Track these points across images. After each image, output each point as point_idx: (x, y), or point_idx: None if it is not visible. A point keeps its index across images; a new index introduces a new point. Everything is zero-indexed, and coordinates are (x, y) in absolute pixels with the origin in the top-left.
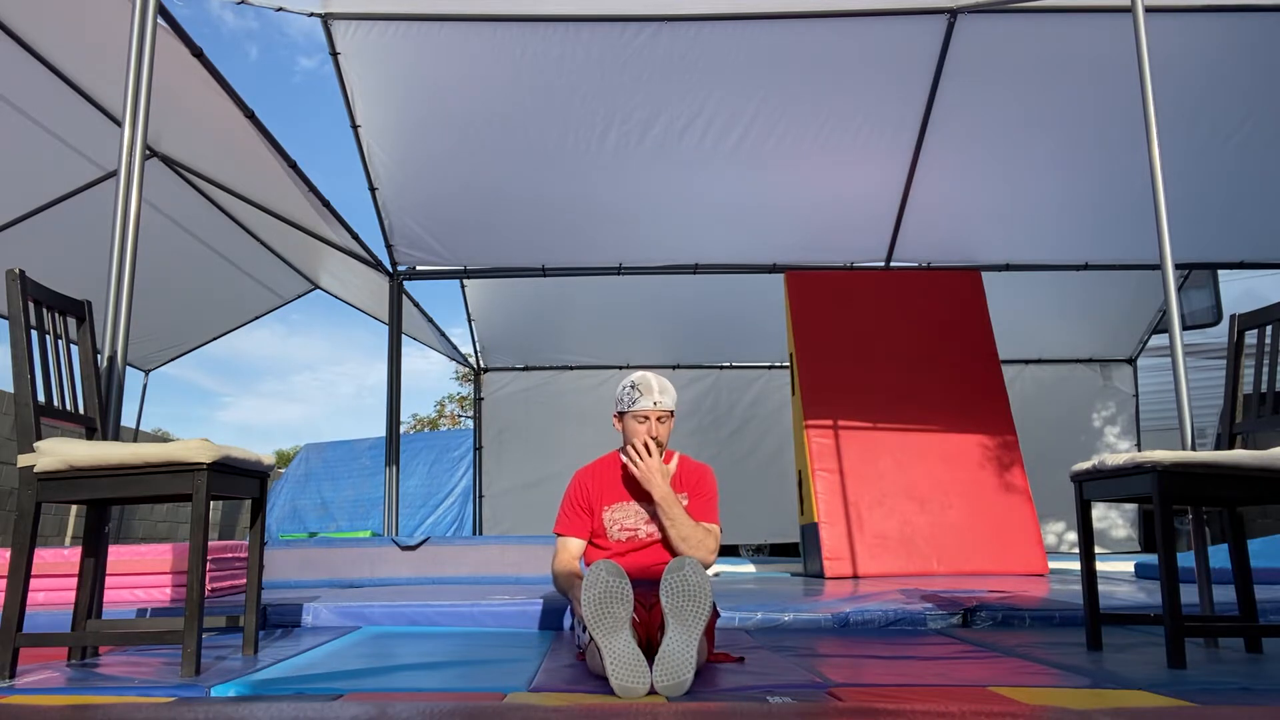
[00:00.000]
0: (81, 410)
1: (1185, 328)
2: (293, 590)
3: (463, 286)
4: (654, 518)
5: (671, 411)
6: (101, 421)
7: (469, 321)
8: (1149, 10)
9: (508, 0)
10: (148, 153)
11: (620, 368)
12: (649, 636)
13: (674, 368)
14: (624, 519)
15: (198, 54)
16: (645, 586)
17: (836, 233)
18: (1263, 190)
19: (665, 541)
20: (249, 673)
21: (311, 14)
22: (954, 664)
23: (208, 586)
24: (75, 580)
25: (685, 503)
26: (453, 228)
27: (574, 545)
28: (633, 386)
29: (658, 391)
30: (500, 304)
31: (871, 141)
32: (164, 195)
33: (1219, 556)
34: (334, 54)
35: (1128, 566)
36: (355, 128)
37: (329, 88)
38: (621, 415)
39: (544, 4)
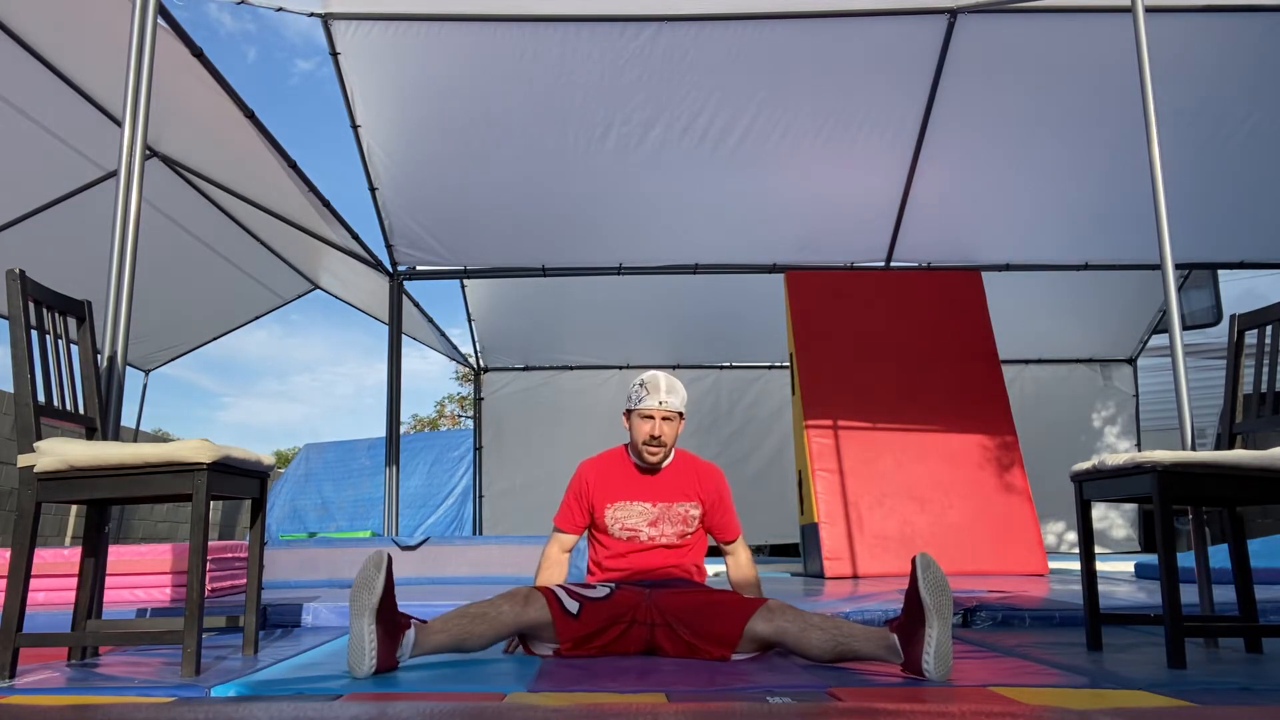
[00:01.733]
0: (81, 410)
1: (1185, 328)
2: (293, 590)
3: (463, 286)
4: (659, 520)
5: (680, 413)
6: (101, 421)
7: (469, 321)
8: (1149, 10)
9: (508, 0)
10: (148, 153)
11: (620, 368)
12: (648, 622)
13: (674, 368)
14: (625, 518)
15: (198, 54)
16: (643, 584)
17: (836, 233)
18: (1263, 190)
19: (676, 551)
20: (249, 673)
21: (312, 14)
22: (954, 664)
23: (208, 586)
24: (75, 580)
25: (698, 511)
26: (453, 228)
27: (563, 539)
28: (641, 384)
29: (664, 391)
30: (500, 304)
31: (871, 141)
32: (164, 195)
33: (1219, 556)
34: (334, 54)
35: (1128, 566)
36: (355, 128)
37: (326, 90)
38: (629, 413)
39: (544, 4)
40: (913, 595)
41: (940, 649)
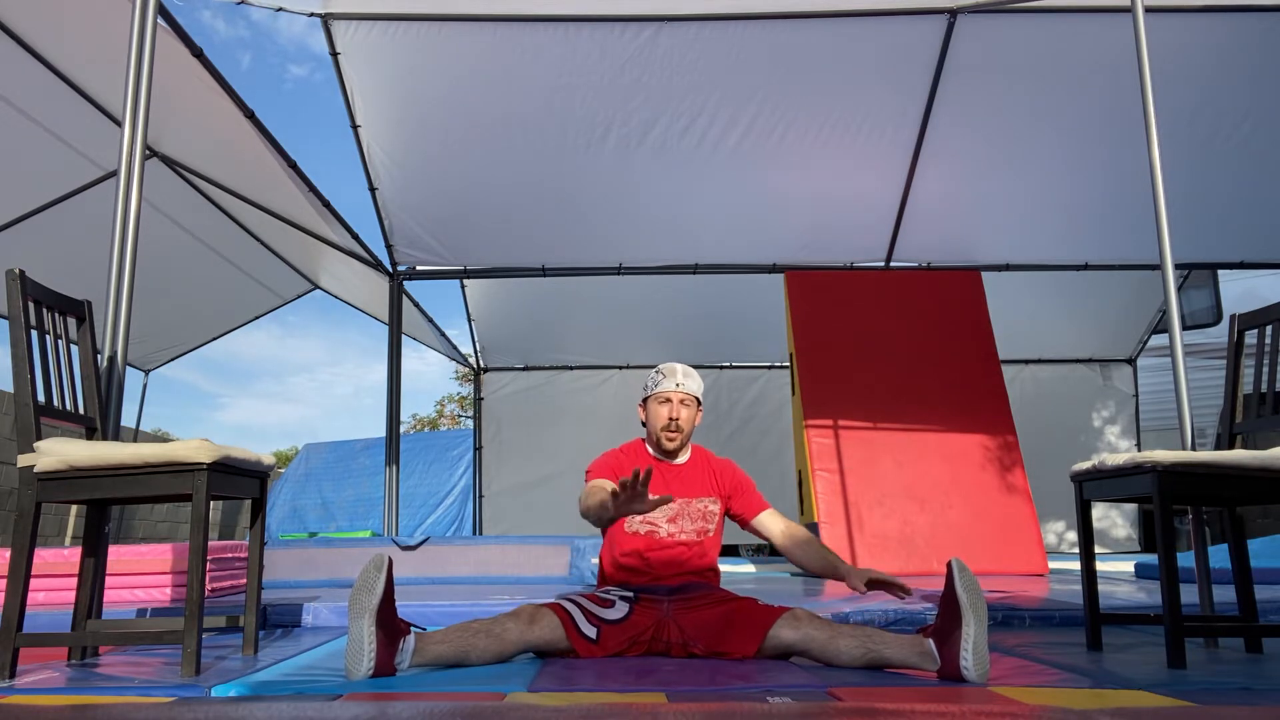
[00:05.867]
0: (81, 410)
1: (1185, 328)
2: (293, 590)
3: (463, 286)
4: (677, 517)
5: (698, 400)
6: (101, 421)
7: (469, 321)
8: (1149, 10)
9: (508, 0)
10: (148, 153)
11: (620, 368)
12: (665, 640)
13: None
14: (648, 513)
15: (198, 54)
16: (660, 592)
17: (836, 233)
18: (1263, 190)
19: (694, 548)
20: (249, 673)
21: (312, 14)
22: None
23: (208, 586)
24: (75, 580)
25: (716, 507)
26: (453, 228)
27: (601, 483)
28: (657, 371)
29: (681, 375)
30: (500, 304)
31: (871, 141)
32: (164, 195)
33: (1219, 556)
34: (334, 54)
35: (1128, 566)
36: (355, 128)
37: (321, 95)
38: (645, 401)
39: (544, 4)
40: (949, 597)
41: (978, 649)
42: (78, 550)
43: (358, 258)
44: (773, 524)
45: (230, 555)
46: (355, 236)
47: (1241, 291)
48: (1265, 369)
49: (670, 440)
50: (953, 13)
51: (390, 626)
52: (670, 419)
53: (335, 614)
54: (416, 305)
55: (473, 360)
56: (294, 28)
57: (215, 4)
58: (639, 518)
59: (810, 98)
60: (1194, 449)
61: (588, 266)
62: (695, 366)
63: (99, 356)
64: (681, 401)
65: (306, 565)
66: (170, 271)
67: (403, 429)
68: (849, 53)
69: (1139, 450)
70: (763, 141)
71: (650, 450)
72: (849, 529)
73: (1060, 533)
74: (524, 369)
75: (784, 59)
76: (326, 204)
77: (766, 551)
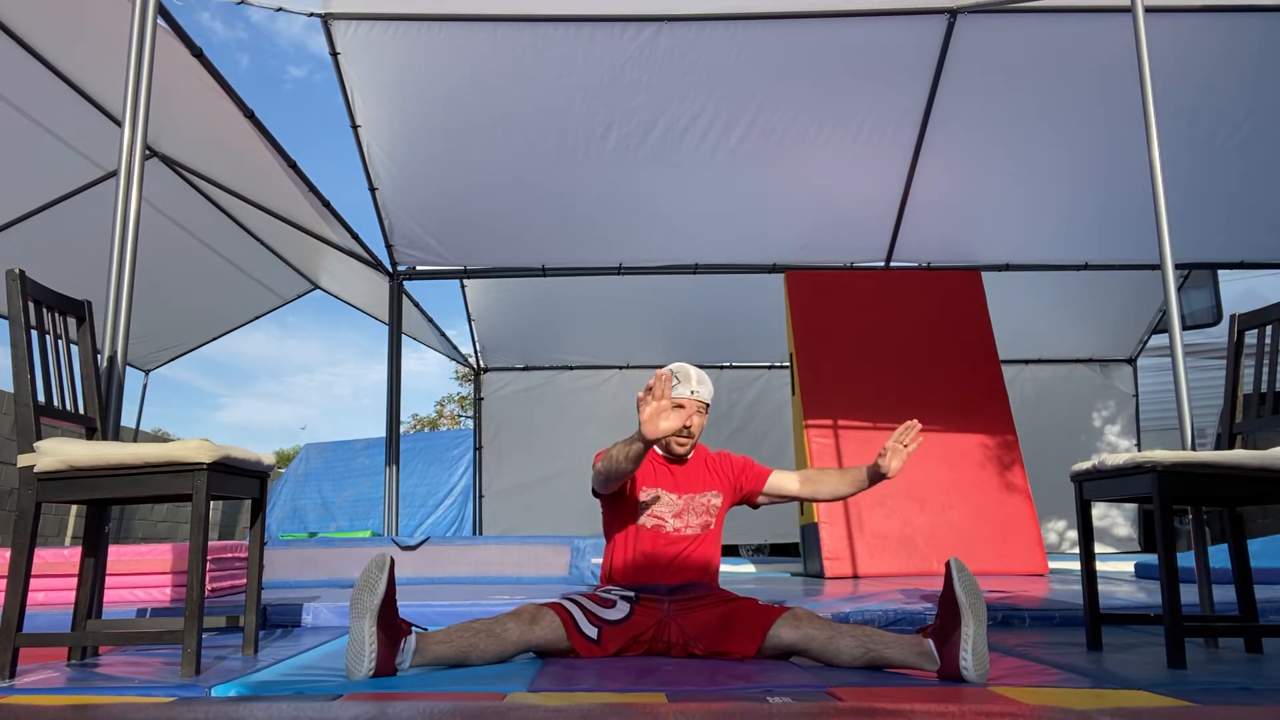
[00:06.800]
0: (81, 410)
1: (1185, 328)
2: (293, 590)
3: (463, 286)
4: (683, 511)
5: (707, 404)
6: (101, 421)
7: (469, 321)
8: (1149, 10)
9: (508, 0)
10: (148, 153)
11: (620, 368)
12: (666, 640)
13: None
14: (656, 506)
15: (198, 54)
16: (661, 591)
17: (836, 233)
18: (1263, 190)
19: (697, 541)
20: (249, 673)
21: (312, 14)
22: None
23: (208, 586)
24: (75, 580)
25: (719, 500)
26: (453, 228)
27: None
28: (672, 374)
29: (695, 381)
30: (500, 304)
31: (871, 141)
32: (164, 195)
33: (1219, 556)
34: (334, 54)
35: (1128, 566)
36: (355, 128)
37: (321, 95)
38: None
39: (544, 4)
40: (948, 598)
41: (977, 649)
42: (78, 550)
43: (358, 258)
44: (786, 480)
45: (230, 555)
46: (355, 236)
47: (1241, 291)
48: (1265, 369)
49: (680, 446)
50: (953, 13)
51: (391, 626)
52: (684, 426)
53: (335, 614)
54: (416, 305)
55: (473, 360)
56: (292, 29)
57: (214, 5)
58: (649, 510)
59: (810, 98)
60: (1194, 449)
61: (587, 266)
62: (695, 366)
63: (99, 356)
64: (694, 410)
65: (306, 565)
66: (170, 271)
67: (403, 429)
68: (850, 53)
69: (1139, 450)
70: (763, 141)
71: (656, 449)
72: (849, 529)
73: (1061, 532)
74: (524, 369)
75: (784, 59)
76: (326, 204)
77: (766, 551)
